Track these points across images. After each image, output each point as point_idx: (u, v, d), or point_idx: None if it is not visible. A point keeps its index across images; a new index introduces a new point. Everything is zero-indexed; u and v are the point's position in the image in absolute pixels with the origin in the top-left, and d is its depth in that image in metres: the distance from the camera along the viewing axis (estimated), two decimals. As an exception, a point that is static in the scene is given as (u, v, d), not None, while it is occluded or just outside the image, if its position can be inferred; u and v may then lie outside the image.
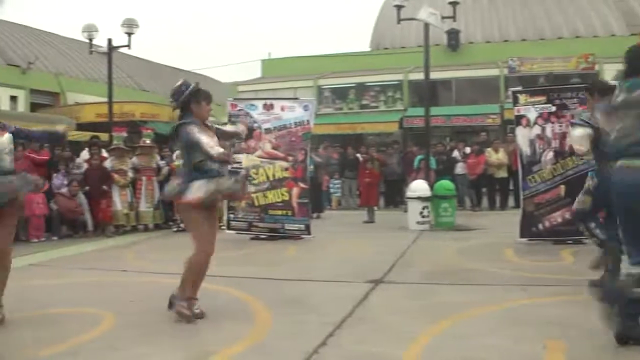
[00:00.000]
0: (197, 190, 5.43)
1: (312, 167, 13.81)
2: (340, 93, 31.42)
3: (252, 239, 11.44)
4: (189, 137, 5.46)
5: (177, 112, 5.76)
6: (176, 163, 13.18)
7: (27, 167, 12.37)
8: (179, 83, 5.78)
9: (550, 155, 10.15)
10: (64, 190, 12.80)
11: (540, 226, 10.19)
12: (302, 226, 11.64)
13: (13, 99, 27.26)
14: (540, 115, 10.27)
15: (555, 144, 10.16)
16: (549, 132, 10.20)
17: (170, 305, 5.64)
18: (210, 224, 5.71)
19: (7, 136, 5.55)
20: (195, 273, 5.60)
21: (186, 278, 5.60)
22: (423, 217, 12.75)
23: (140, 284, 7.62)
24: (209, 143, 5.37)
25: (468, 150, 17.97)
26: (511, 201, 16.55)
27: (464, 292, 6.62)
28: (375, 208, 15.30)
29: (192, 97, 5.64)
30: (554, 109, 10.19)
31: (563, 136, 10.00)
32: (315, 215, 14.85)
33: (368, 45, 36.99)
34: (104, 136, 17.89)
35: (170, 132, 5.80)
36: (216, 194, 5.60)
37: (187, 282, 5.60)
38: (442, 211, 13.05)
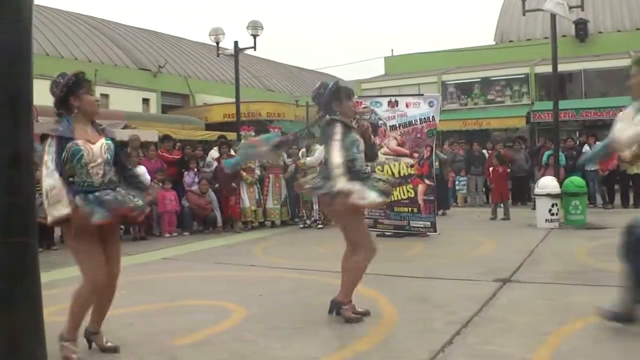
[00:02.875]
0: (363, 193, 5.30)
1: (437, 163, 13.68)
2: (464, 88, 30.90)
3: (378, 235, 11.45)
4: (328, 136, 5.40)
5: (319, 113, 5.71)
6: (302, 161, 13.40)
7: (160, 166, 12.97)
8: (317, 85, 5.77)
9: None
10: (195, 187, 13.28)
11: (680, 224, 9.65)
12: (428, 223, 11.56)
13: (145, 101, 28.55)
14: (678, 107, 9.71)
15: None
16: (687, 125, 9.63)
17: (331, 310, 5.57)
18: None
19: (100, 143, 4.52)
20: (358, 274, 5.55)
21: (348, 281, 5.54)
22: (552, 214, 12.37)
23: (268, 278, 7.80)
24: (337, 153, 5.26)
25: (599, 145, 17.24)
26: (646, 198, 15.78)
27: (596, 293, 6.36)
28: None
29: (332, 97, 5.59)
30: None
31: None
32: (441, 212, 14.70)
33: (492, 38, 36.21)
34: (231, 135, 18.45)
35: (319, 129, 5.80)
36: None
37: (349, 284, 5.54)
38: (572, 209, 12.61)
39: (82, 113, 4.46)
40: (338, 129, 5.38)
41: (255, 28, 19.03)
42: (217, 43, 19.84)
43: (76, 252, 4.50)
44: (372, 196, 5.34)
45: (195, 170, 13.59)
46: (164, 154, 13.59)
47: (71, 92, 4.40)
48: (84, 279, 4.60)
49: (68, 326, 4.59)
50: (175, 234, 12.67)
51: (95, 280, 4.45)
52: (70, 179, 4.33)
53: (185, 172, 13.51)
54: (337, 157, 5.22)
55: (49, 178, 4.20)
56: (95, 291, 4.48)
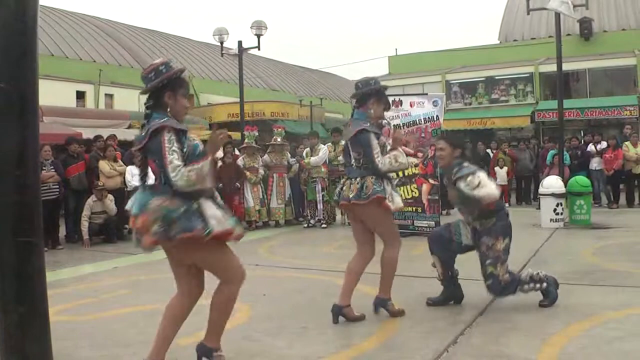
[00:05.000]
0: (392, 197, 5.53)
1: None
2: (469, 87, 30.85)
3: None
4: (365, 143, 5.47)
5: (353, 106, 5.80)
6: (306, 160, 13.40)
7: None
8: (369, 78, 5.81)
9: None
10: (199, 187, 13.26)
11: (685, 224, 9.66)
12: (432, 223, 11.55)
13: (151, 101, 28.58)
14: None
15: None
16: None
17: (376, 308, 5.73)
18: None
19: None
20: (395, 267, 5.73)
21: (387, 276, 5.70)
22: (557, 214, 12.35)
23: (273, 278, 7.82)
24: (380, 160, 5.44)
25: (604, 144, 17.21)
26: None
27: (602, 294, 6.37)
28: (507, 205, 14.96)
29: (375, 94, 5.64)
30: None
31: None
32: (445, 211, 14.69)
33: (496, 37, 36.17)
34: (235, 135, 18.46)
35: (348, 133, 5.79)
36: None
37: (388, 279, 5.71)
38: (577, 208, 12.60)
39: (173, 114, 4.02)
40: (372, 137, 5.45)
41: (259, 28, 19.04)
42: (221, 43, 19.85)
43: (216, 258, 4.20)
44: (397, 200, 5.58)
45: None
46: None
47: (170, 87, 4.00)
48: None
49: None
50: (180, 234, 12.68)
51: (244, 275, 4.37)
52: None
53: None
54: (382, 165, 5.42)
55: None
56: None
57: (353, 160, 5.62)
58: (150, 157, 3.95)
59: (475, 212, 5.81)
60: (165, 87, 3.97)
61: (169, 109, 4.01)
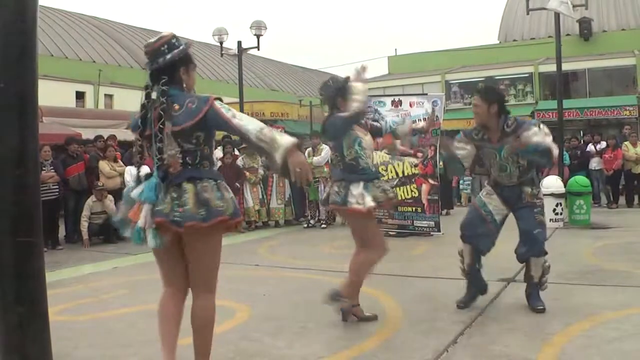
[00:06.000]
0: (362, 198, 5.22)
1: (441, 163, 13.67)
2: (468, 87, 30.87)
3: (380, 235, 11.48)
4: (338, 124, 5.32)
5: (325, 107, 5.65)
6: (309, 160, 13.40)
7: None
8: (327, 79, 5.67)
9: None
10: (199, 187, 13.26)
11: (685, 224, 9.66)
12: (432, 223, 11.57)
13: (149, 100, 28.63)
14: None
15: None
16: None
17: (343, 315, 5.51)
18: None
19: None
20: (367, 269, 5.48)
21: (358, 277, 5.46)
22: (556, 214, 12.35)
23: (272, 278, 7.82)
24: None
25: (604, 144, 17.22)
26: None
27: (602, 294, 6.36)
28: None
29: (338, 93, 5.47)
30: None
31: None
32: (444, 211, 14.70)
33: (496, 37, 36.20)
34: (235, 135, 18.47)
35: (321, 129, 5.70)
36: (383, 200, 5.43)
37: (358, 282, 5.49)
38: (577, 208, 12.61)
39: (187, 89, 3.84)
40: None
41: (258, 28, 19.06)
42: (221, 43, 19.86)
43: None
44: (367, 200, 5.24)
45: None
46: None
47: (184, 62, 3.81)
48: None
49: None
50: (179, 234, 12.66)
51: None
52: None
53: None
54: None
55: None
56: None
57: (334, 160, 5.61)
58: (199, 133, 3.66)
59: (535, 169, 5.79)
60: (180, 62, 3.78)
61: (184, 85, 3.81)
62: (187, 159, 3.64)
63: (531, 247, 5.66)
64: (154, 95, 3.69)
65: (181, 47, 3.76)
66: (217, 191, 3.60)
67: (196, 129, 3.63)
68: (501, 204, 5.80)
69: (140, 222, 3.55)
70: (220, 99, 3.75)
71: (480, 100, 5.65)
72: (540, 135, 5.45)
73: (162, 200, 3.54)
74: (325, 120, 5.55)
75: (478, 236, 5.84)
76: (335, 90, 5.49)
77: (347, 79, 5.47)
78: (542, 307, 5.63)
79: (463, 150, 5.89)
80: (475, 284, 5.99)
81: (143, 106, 3.75)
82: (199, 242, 3.64)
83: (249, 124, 3.59)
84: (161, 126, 3.60)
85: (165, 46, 3.72)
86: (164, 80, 3.67)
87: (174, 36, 3.80)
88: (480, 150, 5.83)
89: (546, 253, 5.74)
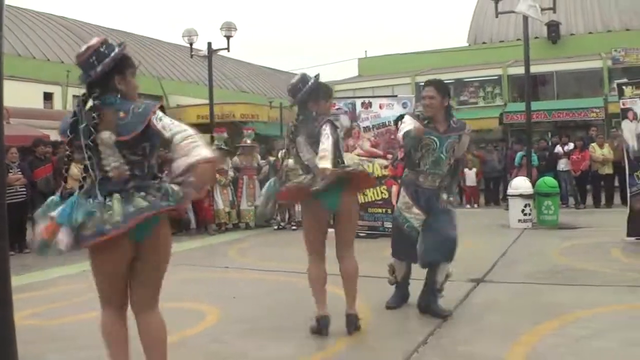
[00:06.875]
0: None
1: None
2: (438, 89, 31.02)
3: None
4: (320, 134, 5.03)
5: (295, 109, 5.38)
6: (286, 162, 13.32)
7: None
8: (295, 79, 5.30)
9: (660, 150, 9.75)
10: (168, 190, 13.19)
11: (650, 224, 9.79)
12: (402, 224, 11.59)
13: (119, 102, 28.38)
14: (648, 108, 9.85)
15: (665, 138, 9.74)
16: (657, 126, 9.77)
17: (350, 326, 5.16)
18: None
19: None
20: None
21: (355, 288, 5.28)
22: (525, 215, 12.47)
23: (242, 280, 7.79)
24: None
25: (571, 146, 17.43)
26: (617, 199, 15.94)
27: (569, 293, 6.44)
28: (476, 205, 15.09)
29: (310, 95, 5.19)
30: (663, 101, 9.76)
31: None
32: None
33: (466, 40, 36.43)
34: (205, 137, 18.39)
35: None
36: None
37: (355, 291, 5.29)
38: (545, 209, 12.73)
39: (128, 98, 3.48)
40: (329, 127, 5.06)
41: (229, 29, 19.00)
42: (191, 44, 19.78)
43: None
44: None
45: (168, 172, 13.49)
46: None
47: (118, 70, 3.44)
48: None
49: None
50: (149, 237, 12.54)
51: None
52: None
53: (159, 175, 13.40)
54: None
55: None
56: None
57: None
58: (145, 144, 3.45)
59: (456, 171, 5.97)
60: (114, 71, 3.43)
61: (118, 95, 3.44)
62: (134, 170, 3.47)
63: (444, 252, 5.63)
64: (89, 105, 3.42)
65: (112, 55, 3.41)
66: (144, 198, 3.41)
67: (142, 139, 3.41)
68: (420, 212, 5.71)
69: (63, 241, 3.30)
70: (163, 107, 3.50)
71: (435, 91, 5.72)
72: (466, 144, 5.88)
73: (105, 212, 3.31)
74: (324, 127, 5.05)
75: (409, 252, 5.78)
76: (307, 94, 5.20)
77: (317, 77, 5.31)
78: (449, 312, 5.66)
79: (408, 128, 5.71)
80: (403, 292, 6.14)
81: (75, 113, 3.50)
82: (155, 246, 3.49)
83: (177, 134, 3.33)
84: (92, 142, 3.39)
85: (94, 57, 3.41)
86: (95, 95, 3.41)
87: (103, 43, 3.46)
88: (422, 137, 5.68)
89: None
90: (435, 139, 5.63)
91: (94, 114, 3.36)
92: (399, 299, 6.09)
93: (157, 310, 3.59)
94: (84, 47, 3.49)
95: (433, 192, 5.70)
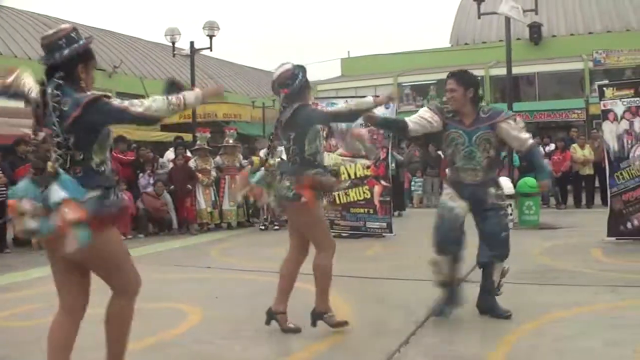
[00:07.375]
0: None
1: (393, 165, 13.76)
2: (420, 90, 31.17)
3: (334, 237, 11.46)
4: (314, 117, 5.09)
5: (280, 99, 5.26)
6: (270, 161, 13.30)
7: (115, 168, 12.79)
8: (287, 67, 5.18)
9: (639, 151, 9.82)
10: (150, 189, 13.14)
11: (629, 225, 9.86)
12: (384, 224, 11.62)
13: (100, 101, 28.21)
14: (628, 110, 9.93)
15: (644, 139, 9.83)
16: (637, 127, 9.85)
17: (315, 322, 5.14)
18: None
19: None
20: (330, 276, 5.18)
21: (325, 286, 5.16)
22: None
23: (225, 280, 7.77)
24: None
25: (553, 146, 17.54)
26: (598, 199, 16.07)
27: (551, 293, 6.48)
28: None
29: (306, 82, 5.17)
30: (643, 103, 9.84)
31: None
32: (396, 213, 14.79)
33: (448, 40, 36.58)
34: (187, 137, 18.31)
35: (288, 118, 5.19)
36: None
37: (326, 290, 5.17)
38: (526, 209, 12.79)
39: (86, 89, 3.51)
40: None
41: (211, 29, 18.92)
42: (173, 43, 19.70)
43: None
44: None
45: (150, 172, 13.45)
46: (118, 155, 13.39)
47: (83, 59, 3.51)
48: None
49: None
50: (130, 237, 12.43)
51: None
52: None
53: (141, 174, 13.36)
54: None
55: None
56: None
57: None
58: (90, 127, 3.39)
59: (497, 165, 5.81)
60: (79, 59, 3.47)
61: (82, 83, 3.49)
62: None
63: (498, 251, 5.53)
64: (49, 89, 3.40)
65: (81, 42, 3.47)
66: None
67: (70, 129, 3.38)
68: (465, 204, 5.45)
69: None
70: (108, 96, 3.50)
71: (456, 83, 5.50)
72: (516, 130, 5.44)
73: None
74: (297, 111, 5.07)
75: (453, 243, 5.42)
76: (305, 81, 5.16)
77: (305, 71, 5.23)
78: (510, 313, 5.46)
79: (427, 122, 5.59)
80: (452, 294, 5.53)
81: (38, 105, 3.50)
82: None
83: (153, 103, 3.45)
84: (58, 120, 3.37)
85: (64, 40, 3.42)
86: (59, 75, 3.38)
87: (74, 29, 3.51)
88: (445, 131, 5.54)
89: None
90: (462, 132, 5.44)
91: (57, 92, 3.38)
92: (446, 304, 5.51)
93: (123, 299, 3.94)
94: (53, 30, 3.49)
95: (477, 186, 5.43)
